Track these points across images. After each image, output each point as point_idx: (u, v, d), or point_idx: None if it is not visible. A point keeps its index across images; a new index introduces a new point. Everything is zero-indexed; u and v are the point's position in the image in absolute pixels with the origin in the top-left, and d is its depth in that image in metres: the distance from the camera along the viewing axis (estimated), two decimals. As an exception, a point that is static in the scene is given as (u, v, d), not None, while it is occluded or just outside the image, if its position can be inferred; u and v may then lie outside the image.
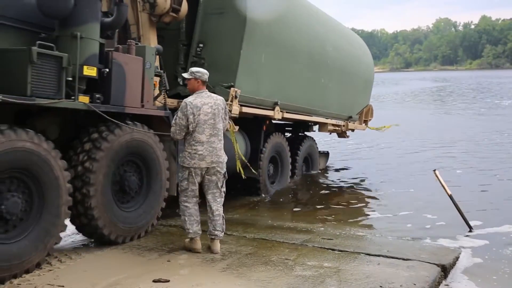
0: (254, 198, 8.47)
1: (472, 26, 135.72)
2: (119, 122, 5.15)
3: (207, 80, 5.26)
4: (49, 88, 4.50)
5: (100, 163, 4.97)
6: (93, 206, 4.92)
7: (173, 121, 5.13)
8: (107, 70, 5.18)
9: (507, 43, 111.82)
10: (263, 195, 8.58)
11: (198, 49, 7.25)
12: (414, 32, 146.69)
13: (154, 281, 4.15)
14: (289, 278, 4.34)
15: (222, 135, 5.21)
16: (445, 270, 4.79)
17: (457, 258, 5.23)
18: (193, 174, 5.06)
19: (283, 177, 9.37)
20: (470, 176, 10.92)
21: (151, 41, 6.88)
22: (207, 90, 5.25)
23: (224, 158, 5.20)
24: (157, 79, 6.12)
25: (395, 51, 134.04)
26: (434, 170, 7.29)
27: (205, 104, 5.06)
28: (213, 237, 5.14)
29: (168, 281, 4.17)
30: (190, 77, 5.20)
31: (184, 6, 7.04)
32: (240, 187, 8.25)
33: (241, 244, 5.47)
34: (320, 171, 11.60)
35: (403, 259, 4.96)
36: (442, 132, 19.32)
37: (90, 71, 4.98)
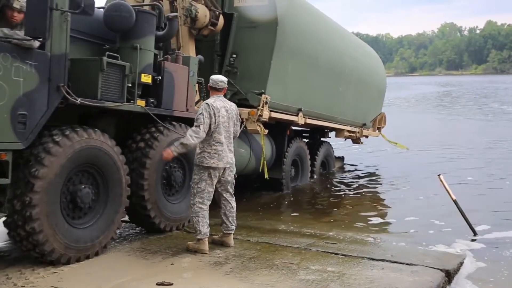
0: (263, 200, 8.90)
1: (478, 31, 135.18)
2: (166, 125, 5.86)
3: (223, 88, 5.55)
4: (114, 93, 5.22)
5: (152, 159, 5.68)
6: (146, 198, 5.64)
7: (199, 121, 5.15)
8: (160, 77, 5.88)
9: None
10: (285, 191, 9.39)
11: (232, 59, 8.05)
12: (419, 37, 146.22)
13: (158, 284, 4.17)
14: (292, 282, 4.34)
15: (233, 139, 5.52)
16: (449, 275, 4.79)
17: (461, 263, 5.23)
18: (212, 176, 5.26)
19: (303, 177, 10.37)
20: (478, 182, 10.88)
21: (190, 51, 7.52)
22: (222, 95, 5.54)
23: (234, 160, 5.53)
24: (197, 86, 6.83)
25: (400, 55, 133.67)
26: (439, 175, 7.28)
27: (222, 108, 5.36)
28: (230, 232, 5.50)
29: (171, 284, 4.18)
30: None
31: (221, 20, 7.81)
32: (267, 184, 9.06)
33: (245, 247, 5.48)
34: (335, 171, 12.56)
35: (407, 264, 4.95)
36: (452, 138, 19.20)
37: (147, 78, 5.72)
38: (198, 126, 5.13)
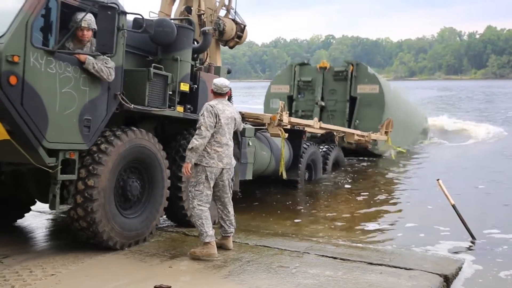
0: (264, 203, 9.07)
1: (477, 36, 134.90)
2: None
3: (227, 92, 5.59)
4: (158, 100, 5.81)
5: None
6: (184, 199, 6.23)
7: (200, 123, 5.19)
8: (196, 86, 6.55)
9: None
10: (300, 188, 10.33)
11: (355, 122, 14.63)
12: (419, 41, 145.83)
13: (156, 287, 4.15)
14: (290, 286, 4.34)
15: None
16: (448, 280, 4.79)
17: (459, 268, 5.23)
18: (209, 179, 5.24)
19: (316, 176, 11.38)
20: (481, 187, 10.79)
21: (217, 61, 8.09)
22: (225, 99, 5.57)
23: (234, 162, 5.53)
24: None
25: (400, 59, 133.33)
26: (438, 180, 7.29)
27: (226, 110, 5.40)
28: (229, 234, 5.50)
29: (169, 287, 4.16)
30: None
31: (245, 34, 8.61)
32: (284, 184, 10.03)
33: (243, 251, 5.48)
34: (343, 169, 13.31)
35: (406, 269, 4.95)
36: (459, 142, 19.01)
37: (185, 87, 6.36)
38: (199, 127, 5.17)
